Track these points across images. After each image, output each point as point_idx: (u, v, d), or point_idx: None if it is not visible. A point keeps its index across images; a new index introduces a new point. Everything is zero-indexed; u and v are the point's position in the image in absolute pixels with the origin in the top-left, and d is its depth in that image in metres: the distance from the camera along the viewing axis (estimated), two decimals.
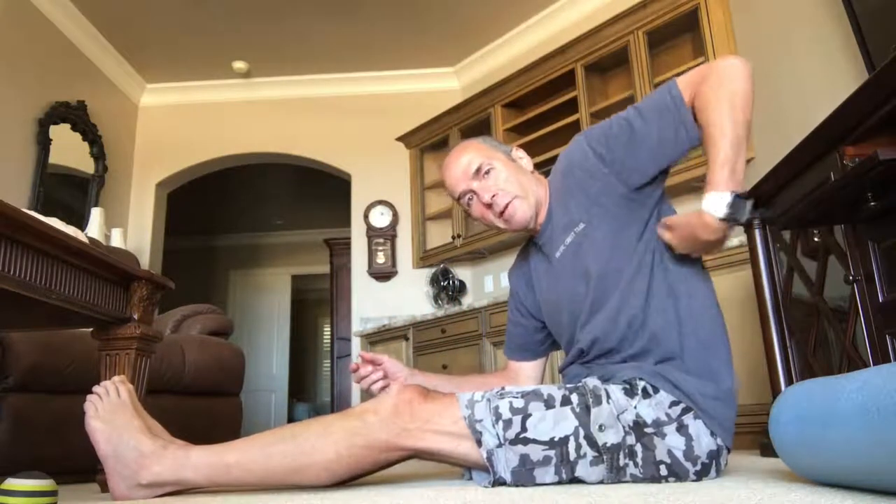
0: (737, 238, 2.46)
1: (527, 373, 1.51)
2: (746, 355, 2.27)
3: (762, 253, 1.89)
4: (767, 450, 1.79)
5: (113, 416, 1.21)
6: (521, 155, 1.43)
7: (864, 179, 1.25)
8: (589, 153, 1.23)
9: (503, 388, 1.16)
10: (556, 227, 1.31)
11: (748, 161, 2.87)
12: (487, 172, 1.34)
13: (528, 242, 1.49)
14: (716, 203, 1.05)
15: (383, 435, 1.11)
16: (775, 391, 1.81)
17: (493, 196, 1.32)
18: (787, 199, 1.71)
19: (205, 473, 1.15)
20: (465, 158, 1.36)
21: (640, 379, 1.13)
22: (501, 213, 1.32)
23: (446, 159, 1.42)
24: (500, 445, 1.09)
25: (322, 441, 1.12)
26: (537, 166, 4.11)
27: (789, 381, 1.79)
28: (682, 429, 1.10)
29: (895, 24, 1.72)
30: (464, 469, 1.24)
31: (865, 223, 1.46)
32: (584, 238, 1.25)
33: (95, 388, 1.26)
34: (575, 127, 3.57)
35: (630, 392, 1.12)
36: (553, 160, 3.92)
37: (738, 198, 1.03)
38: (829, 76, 2.19)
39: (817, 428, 0.84)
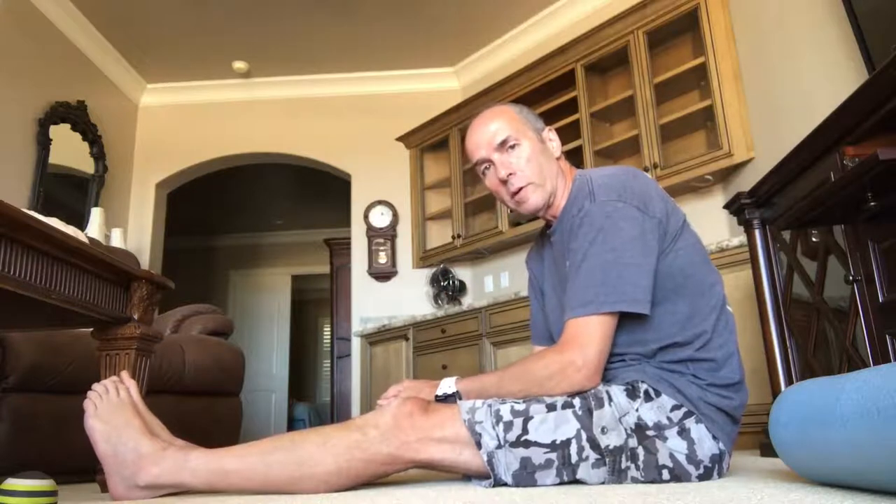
0: (737, 238, 2.46)
1: None
2: (746, 355, 2.27)
3: (762, 253, 1.89)
4: (767, 450, 1.79)
5: (112, 415, 1.21)
6: (552, 137, 1.35)
7: (864, 179, 1.25)
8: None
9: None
10: (564, 234, 1.27)
11: (748, 161, 2.87)
12: (512, 147, 1.29)
13: (546, 228, 1.43)
14: (447, 385, 1.26)
15: (384, 448, 1.10)
16: (775, 391, 1.81)
17: (510, 175, 1.28)
18: (787, 199, 1.71)
19: (203, 478, 1.14)
20: (494, 126, 1.30)
21: (643, 382, 1.13)
22: (514, 195, 1.29)
23: (476, 119, 1.35)
24: (499, 447, 1.08)
25: (322, 453, 1.11)
26: None
27: (789, 381, 1.79)
28: (683, 432, 1.10)
29: (895, 24, 1.72)
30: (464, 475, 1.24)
31: (865, 223, 1.46)
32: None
33: (95, 386, 1.26)
34: (575, 127, 3.57)
35: (632, 394, 1.12)
36: None
37: (449, 397, 1.24)
38: (829, 76, 2.18)
39: (817, 428, 0.84)
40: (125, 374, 1.35)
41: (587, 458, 1.08)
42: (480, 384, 1.22)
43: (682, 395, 1.12)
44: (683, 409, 1.11)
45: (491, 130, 1.30)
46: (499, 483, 1.09)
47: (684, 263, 1.19)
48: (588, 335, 1.11)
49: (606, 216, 1.15)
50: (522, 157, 1.28)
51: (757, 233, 1.89)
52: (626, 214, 1.14)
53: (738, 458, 1.73)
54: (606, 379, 1.17)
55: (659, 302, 1.16)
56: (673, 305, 1.17)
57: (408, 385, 1.31)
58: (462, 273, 4.50)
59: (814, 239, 1.69)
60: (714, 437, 1.12)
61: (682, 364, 1.15)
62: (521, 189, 1.28)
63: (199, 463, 1.15)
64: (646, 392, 1.12)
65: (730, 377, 1.16)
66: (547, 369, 1.13)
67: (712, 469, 1.11)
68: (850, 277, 1.48)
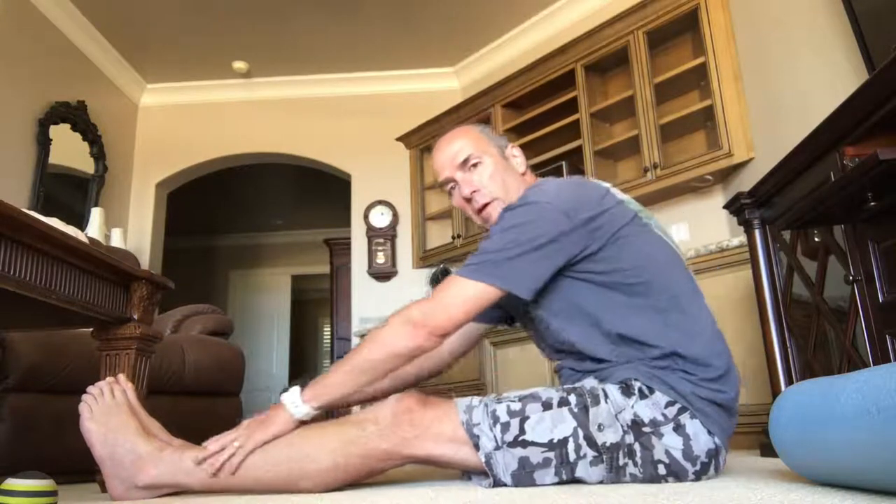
0: (737, 238, 2.46)
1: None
2: (746, 355, 2.27)
3: (762, 253, 1.89)
4: (767, 450, 1.79)
5: (108, 417, 1.21)
6: (515, 153, 1.40)
7: (864, 179, 1.25)
8: None
9: (500, 394, 1.16)
10: None
11: (748, 161, 2.87)
12: (474, 166, 1.32)
13: None
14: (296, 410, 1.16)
15: (383, 444, 1.11)
16: (775, 391, 1.81)
17: (474, 192, 1.31)
18: (787, 199, 1.71)
19: (201, 478, 1.14)
20: (456, 146, 1.34)
21: (636, 380, 1.13)
22: (479, 211, 1.33)
23: (439, 141, 1.39)
24: (497, 448, 1.09)
25: (320, 450, 1.11)
26: (537, 167, 4.07)
27: (789, 381, 1.79)
28: (679, 428, 1.10)
29: (895, 24, 1.72)
30: (464, 473, 1.24)
31: (865, 223, 1.46)
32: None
33: (90, 389, 1.26)
34: (575, 127, 3.57)
35: (626, 392, 1.12)
36: (553, 160, 3.89)
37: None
38: (829, 76, 2.18)
39: (817, 428, 0.84)
40: (121, 376, 1.35)
41: (585, 455, 1.08)
42: (329, 383, 1.16)
43: (675, 391, 1.12)
44: (678, 406, 1.11)
45: (453, 150, 1.34)
46: (498, 483, 1.09)
47: (640, 260, 1.17)
48: (453, 294, 1.13)
49: (526, 211, 1.15)
50: (485, 174, 1.31)
51: (757, 233, 1.89)
52: (547, 216, 1.14)
53: (738, 458, 1.73)
54: (601, 378, 1.17)
55: (627, 307, 1.16)
56: (643, 312, 1.16)
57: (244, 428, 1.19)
58: None
59: (814, 239, 1.69)
60: (709, 432, 1.12)
61: (670, 360, 1.14)
62: (485, 206, 1.31)
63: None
64: (640, 390, 1.12)
65: (717, 366, 1.14)
66: (392, 323, 1.14)
67: (709, 464, 1.11)
68: (850, 277, 1.48)
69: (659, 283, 1.17)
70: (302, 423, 1.15)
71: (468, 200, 1.33)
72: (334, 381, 1.15)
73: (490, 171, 1.32)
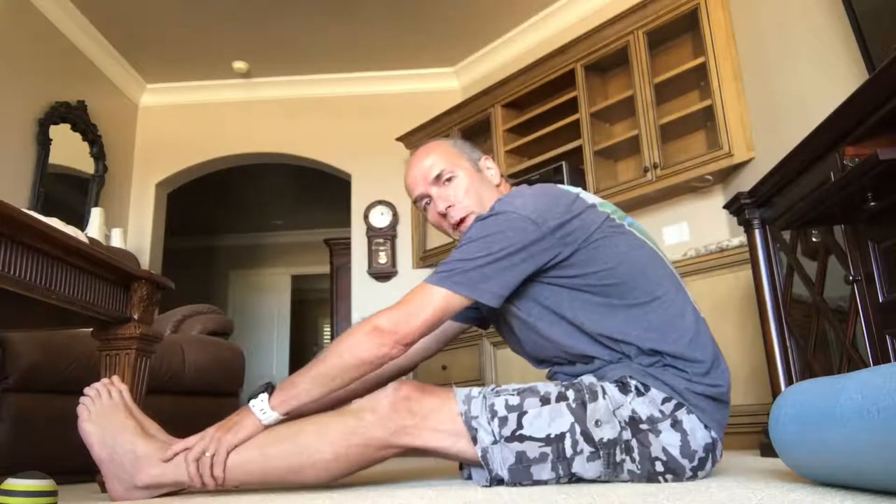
0: (737, 238, 2.46)
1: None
2: (746, 355, 2.28)
3: (762, 253, 1.89)
4: (767, 450, 1.79)
5: (106, 418, 1.21)
6: (489, 165, 1.40)
7: (864, 179, 1.25)
8: None
9: (499, 385, 1.17)
10: None
11: (748, 161, 2.87)
12: (448, 180, 1.32)
13: None
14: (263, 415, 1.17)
15: (381, 433, 1.11)
16: (775, 391, 1.81)
17: (449, 207, 1.31)
18: (787, 199, 1.71)
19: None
20: (429, 161, 1.34)
21: (631, 378, 1.13)
22: (456, 226, 1.32)
23: (412, 157, 1.39)
24: (495, 443, 1.09)
25: (319, 441, 1.12)
26: (537, 167, 4.05)
27: (789, 381, 1.79)
28: (676, 424, 1.10)
29: (895, 24, 1.72)
30: (464, 467, 1.25)
31: (865, 223, 1.46)
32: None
33: (87, 390, 1.26)
34: (575, 127, 3.57)
35: (624, 389, 1.12)
36: (553, 160, 3.88)
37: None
38: (829, 76, 2.18)
39: (817, 428, 0.84)
40: (115, 377, 1.35)
41: (581, 451, 1.09)
42: (297, 390, 1.17)
43: (670, 387, 1.12)
44: (674, 402, 1.11)
45: (426, 165, 1.33)
46: (495, 477, 1.10)
47: (613, 261, 1.17)
48: (420, 302, 1.13)
49: (496, 222, 1.16)
50: (460, 188, 1.31)
51: (757, 233, 1.89)
52: (516, 225, 1.14)
53: (738, 458, 1.73)
54: (598, 377, 1.17)
55: (603, 308, 1.16)
56: (620, 312, 1.16)
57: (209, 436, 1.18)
58: None
59: (814, 239, 1.69)
60: (706, 426, 1.12)
61: (656, 357, 1.15)
62: (462, 220, 1.30)
63: None
64: (636, 387, 1.12)
65: (703, 361, 1.14)
66: (360, 330, 1.14)
67: (706, 459, 1.12)
68: (850, 277, 1.48)
69: (636, 283, 1.17)
70: (266, 427, 1.16)
71: (443, 216, 1.32)
72: (301, 388, 1.15)
73: (464, 185, 1.31)
